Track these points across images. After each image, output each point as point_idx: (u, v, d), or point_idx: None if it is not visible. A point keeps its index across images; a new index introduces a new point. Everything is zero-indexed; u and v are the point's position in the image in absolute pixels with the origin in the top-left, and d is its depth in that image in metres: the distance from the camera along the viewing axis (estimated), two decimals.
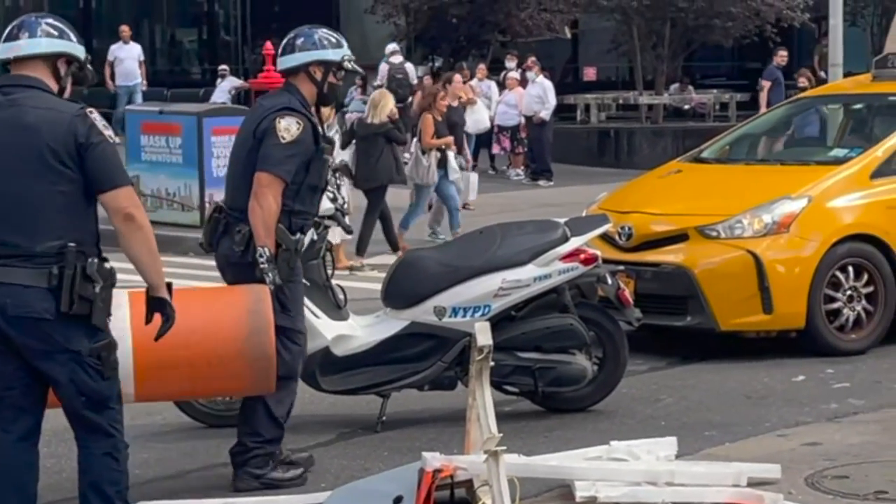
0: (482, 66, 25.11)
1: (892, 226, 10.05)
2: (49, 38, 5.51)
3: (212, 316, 6.49)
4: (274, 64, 16.86)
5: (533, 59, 23.72)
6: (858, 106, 11.76)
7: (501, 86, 23.61)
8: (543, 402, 8.34)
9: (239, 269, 6.91)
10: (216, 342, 6.40)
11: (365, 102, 30.80)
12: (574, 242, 8.19)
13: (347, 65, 7.07)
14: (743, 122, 13.19)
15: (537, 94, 22.47)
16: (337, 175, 8.29)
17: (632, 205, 10.62)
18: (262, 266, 6.74)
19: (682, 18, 26.64)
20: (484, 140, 23.31)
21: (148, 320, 5.57)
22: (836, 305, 9.90)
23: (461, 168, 14.38)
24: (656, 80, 27.87)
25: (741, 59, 31.87)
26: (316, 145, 6.96)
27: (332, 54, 7.06)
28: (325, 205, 7.47)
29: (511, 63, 23.99)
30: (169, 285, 5.52)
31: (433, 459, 6.24)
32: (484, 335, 6.40)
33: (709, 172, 11.22)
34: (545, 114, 22.37)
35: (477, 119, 21.61)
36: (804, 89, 20.70)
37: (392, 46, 27.44)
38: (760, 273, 9.73)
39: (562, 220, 8.40)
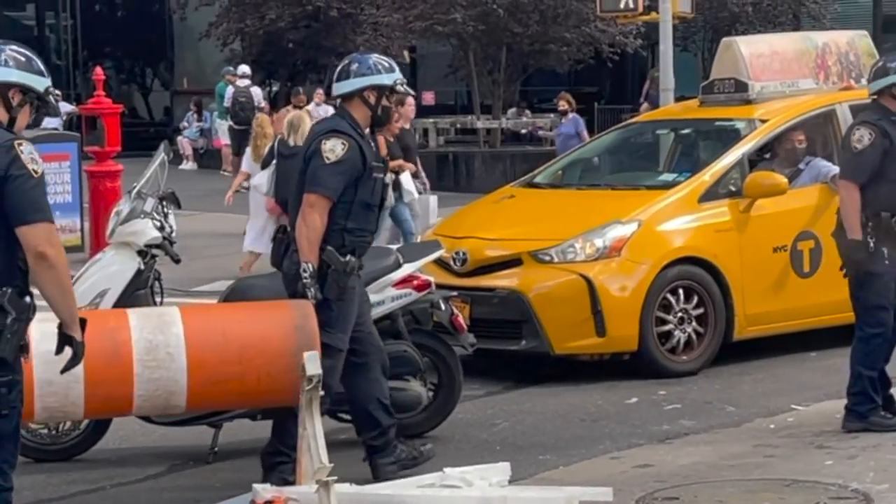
0: (320, 91, 25.08)
1: (720, 248, 10.24)
2: (2, 68, 5.40)
3: (262, 333, 6.67)
4: (104, 89, 16.95)
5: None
6: (687, 131, 11.95)
7: None
8: None
9: (298, 288, 7.09)
10: (266, 359, 6.61)
11: (201, 131, 30.92)
12: (407, 269, 8.20)
13: (400, 88, 7.35)
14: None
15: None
16: (164, 203, 8.19)
17: (466, 230, 10.68)
18: (304, 281, 6.97)
19: (518, 44, 26.91)
20: None
21: (57, 352, 5.43)
22: (667, 327, 10.05)
23: (419, 192, 14.36)
24: (493, 105, 28.10)
25: (577, 83, 32.29)
26: (364, 164, 7.14)
27: (385, 79, 7.32)
28: (153, 234, 7.36)
29: None
30: (82, 321, 5.41)
31: (264, 491, 6.19)
32: (313, 364, 6.37)
33: (542, 197, 11.33)
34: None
35: None
36: (565, 113, 21.09)
37: (243, 68, 27.27)
38: (593, 297, 9.84)
39: (394, 247, 8.40)
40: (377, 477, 7.30)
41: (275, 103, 29.39)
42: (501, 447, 8.18)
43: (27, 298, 5.30)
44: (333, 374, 7.15)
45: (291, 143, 14.29)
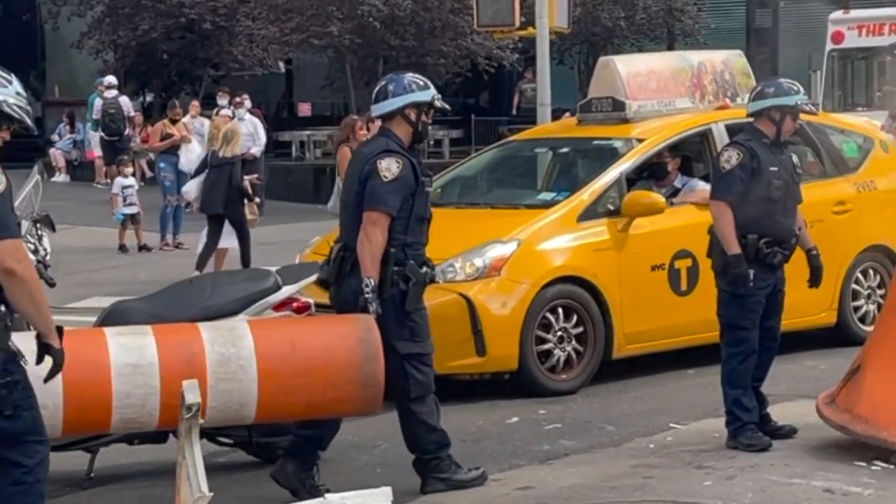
0: (195, 103, 24.85)
1: (599, 267, 10.31)
2: None
3: (328, 345, 6.95)
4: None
5: (243, 95, 23.58)
6: (565, 149, 12.01)
7: None
8: (259, 452, 8.24)
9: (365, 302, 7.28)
10: (333, 370, 6.88)
11: (74, 142, 30.51)
12: (286, 291, 8.14)
13: (437, 103, 7.66)
14: (456, 162, 13.31)
15: (248, 132, 22.34)
16: (38, 226, 8.06)
17: None
18: (367, 295, 7.22)
19: (395, 56, 26.93)
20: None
21: (37, 362, 5.63)
22: (547, 346, 10.10)
23: None
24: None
25: (454, 96, 32.37)
26: (416, 180, 7.46)
27: (422, 96, 7.61)
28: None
29: (223, 100, 23.82)
30: (59, 329, 5.61)
31: None
32: (192, 393, 6.30)
33: None
34: (256, 150, 22.29)
35: (191, 158, 21.36)
36: None
37: (109, 79, 26.98)
38: (473, 316, 9.86)
39: (273, 269, 8.33)
40: (424, 488, 7.60)
41: (149, 115, 29.09)
42: (382, 469, 8.16)
43: (1, 307, 5.46)
44: (429, 377, 7.53)
45: (221, 154, 14.71)
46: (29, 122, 5.69)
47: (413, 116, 7.59)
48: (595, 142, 11.49)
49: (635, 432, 8.88)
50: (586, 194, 10.63)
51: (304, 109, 32.84)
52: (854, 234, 11.50)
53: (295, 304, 8.19)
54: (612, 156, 11.09)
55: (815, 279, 8.49)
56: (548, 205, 10.75)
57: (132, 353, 6.63)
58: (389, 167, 7.40)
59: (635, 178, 11.11)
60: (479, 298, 9.89)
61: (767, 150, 8.23)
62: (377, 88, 7.70)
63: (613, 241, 10.44)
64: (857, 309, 11.60)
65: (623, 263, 10.40)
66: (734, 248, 8.03)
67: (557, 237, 10.36)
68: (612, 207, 10.61)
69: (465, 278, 9.98)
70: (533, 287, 10.02)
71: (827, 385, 9.23)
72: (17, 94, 5.68)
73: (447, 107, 7.79)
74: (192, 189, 14.97)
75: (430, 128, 7.75)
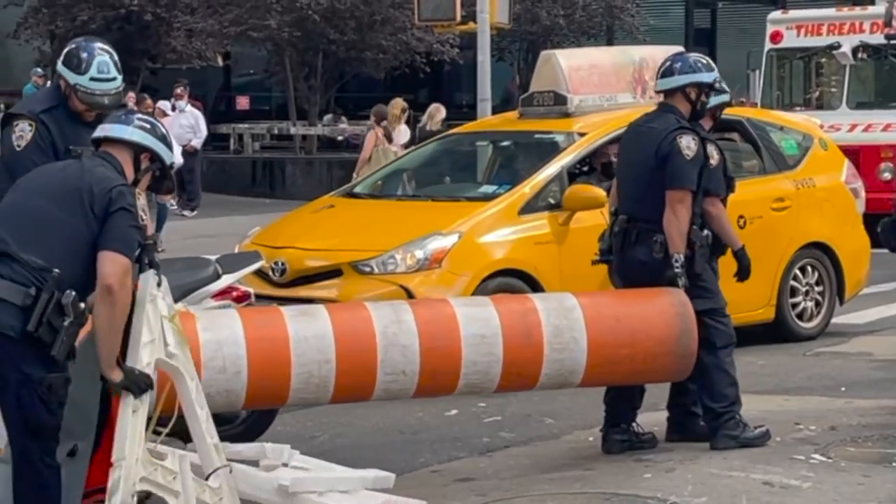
0: (132, 94, 24.64)
1: (540, 261, 10.30)
2: None
3: (649, 318, 7.49)
4: None
5: (182, 88, 23.44)
6: (506, 143, 12.03)
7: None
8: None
9: (654, 273, 7.77)
10: (653, 342, 7.43)
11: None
12: (226, 280, 8.07)
13: (718, 86, 8.11)
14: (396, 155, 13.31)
15: (188, 124, 22.21)
16: None
17: (285, 240, 10.61)
18: (676, 270, 7.67)
19: (334, 50, 26.83)
20: None
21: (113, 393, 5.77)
22: None
23: None
24: (310, 111, 27.98)
25: (394, 90, 32.24)
26: (705, 155, 7.86)
27: (706, 77, 8.02)
28: None
29: (180, 95, 23.60)
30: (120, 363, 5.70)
31: None
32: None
33: (362, 207, 11.31)
34: (196, 142, 22.16)
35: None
36: None
37: (38, 70, 26.76)
38: None
39: (213, 258, 8.25)
40: (714, 444, 7.89)
41: None
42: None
43: (82, 305, 5.58)
44: (729, 327, 7.94)
45: None
46: None
47: (693, 95, 7.95)
48: (536, 135, 11.51)
49: (574, 425, 8.89)
50: (528, 187, 10.65)
51: (243, 103, 32.67)
52: (793, 231, 11.56)
53: (235, 294, 8.14)
54: (553, 149, 11.10)
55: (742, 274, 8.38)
56: (489, 198, 10.76)
57: (479, 323, 7.17)
58: (689, 145, 7.78)
59: (577, 173, 11.13)
60: (419, 290, 9.87)
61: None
62: (663, 66, 8.07)
63: (554, 235, 10.45)
64: (795, 305, 11.66)
65: (564, 257, 10.40)
66: (737, 239, 8.17)
67: (498, 230, 10.37)
68: (553, 201, 10.63)
69: (406, 270, 9.97)
70: (474, 279, 10.01)
71: (766, 380, 9.28)
72: None
73: (727, 89, 8.40)
74: None
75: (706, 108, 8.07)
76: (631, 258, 7.97)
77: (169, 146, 6.10)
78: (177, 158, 20.32)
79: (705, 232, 7.90)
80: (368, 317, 7.11)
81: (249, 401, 7.03)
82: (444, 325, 7.18)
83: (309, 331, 6.98)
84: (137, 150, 5.94)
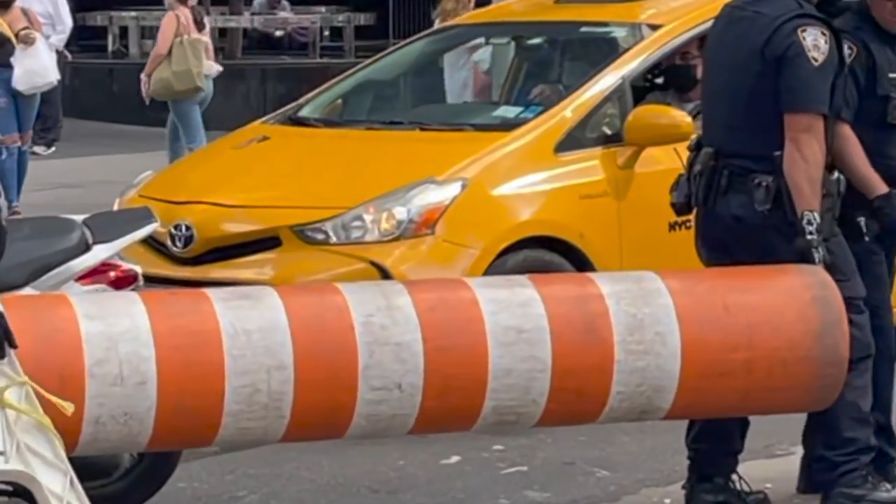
0: None
1: (588, 224, 10.31)
2: None
3: (773, 307, 7.45)
4: None
5: None
6: (537, 41, 12.07)
7: None
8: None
9: (756, 236, 7.87)
10: (782, 342, 7.39)
11: None
12: (99, 253, 8.07)
13: None
14: (365, 60, 13.30)
15: (43, 12, 22.13)
16: None
17: (192, 191, 10.65)
18: (809, 237, 7.66)
19: None
20: None
21: None
22: None
23: None
24: None
25: None
26: (840, 58, 7.95)
27: None
28: None
29: None
30: None
31: None
32: None
33: (311, 141, 11.34)
34: (56, 40, 22.09)
35: (34, 69, 21.17)
36: None
37: None
38: None
39: (80, 218, 8.23)
40: None
41: None
42: None
43: None
44: (866, 330, 7.96)
45: None
46: None
47: None
48: (584, 29, 11.56)
49: (642, 480, 8.95)
50: (569, 110, 10.63)
51: None
52: None
53: (113, 274, 8.16)
54: (609, 51, 11.15)
55: None
56: (509, 126, 10.80)
57: (514, 312, 7.13)
58: (817, 43, 7.83)
59: (647, 87, 11.13)
60: (400, 269, 9.86)
61: (878, 38, 8.29)
62: None
63: (611, 184, 10.47)
64: None
65: (626, 218, 10.42)
66: (879, 184, 8.14)
67: (524, 176, 10.38)
68: (609, 132, 10.67)
69: (380, 237, 10.00)
70: (486, 253, 10.01)
71: None
72: None
73: None
74: None
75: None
76: (720, 213, 8.04)
77: None
78: (52, 73, 20.40)
79: (836, 175, 7.97)
80: (343, 302, 7.07)
81: (159, 432, 6.93)
82: (459, 314, 7.15)
83: (251, 322, 6.92)
84: None
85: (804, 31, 7.83)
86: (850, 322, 7.75)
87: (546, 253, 10.18)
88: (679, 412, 7.53)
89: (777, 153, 7.79)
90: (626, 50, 11.02)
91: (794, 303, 7.50)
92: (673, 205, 8.30)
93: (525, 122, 10.74)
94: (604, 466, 9.19)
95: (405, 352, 6.97)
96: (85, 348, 6.69)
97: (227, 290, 7.29)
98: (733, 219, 7.95)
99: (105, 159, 20.15)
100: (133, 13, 28.77)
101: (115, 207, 10.65)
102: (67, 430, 6.26)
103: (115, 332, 6.78)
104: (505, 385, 7.09)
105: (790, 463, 8.64)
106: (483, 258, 9.99)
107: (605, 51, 11.19)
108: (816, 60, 7.82)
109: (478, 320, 7.07)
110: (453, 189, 10.16)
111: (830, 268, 7.76)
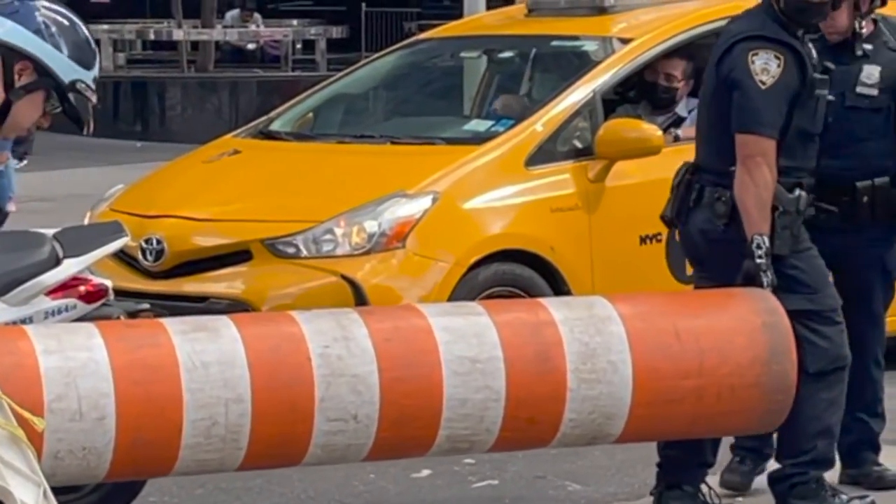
0: None
1: (559, 238, 10.34)
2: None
3: (722, 333, 7.48)
4: None
5: None
6: (508, 54, 12.08)
7: None
8: None
9: (721, 250, 7.93)
10: (731, 367, 7.41)
11: None
12: (70, 266, 8.07)
13: None
14: (338, 73, 13.32)
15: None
16: None
17: (164, 205, 10.66)
18: (758, 261, 7.74)
19: None
20: None
21: None
22: None
23: None
24: (204, 4, 27.96)
25: None
26: (803, 79, 7.97)
27: None
28: None
29: None
30: None
31: None
32: None
33: (282, 155, 11.37)
34: None
35: None
36: None
37: None
38: None
39: (50, 232, 8.24)
40: None
41: None
42: None
43: None
44: (837, 342, 7.99)
45: None
46: None
47: None
48: (554, 42, 11.57)
49: (614, 493, 8.94)
50: (540, 124, 10.67)
51: None
52: None
53: (83, 288, 8.12)
54: (580, 65, 11.15)
55: None
56: (480, 139, 10.81)
57: (468, 341, 7.14)
58: (767, 67, 7.88)
59: (617, 101, 11.14)
60: (371, 283, 9.90)
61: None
62: None
63: (582, 198, 10.48)
64: None
65: (597, 232, 10.44)
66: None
67: (495, 190, 10.41)
68: (579, 145, 10.68)
69: (351, 251, 10.02)
70: (457, 266, 10.04)
71: None
72: None
73: None
74: None
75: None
76: (690, 228, 8.14)
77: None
78: None
79: (796, 193, 7.96)
80: (299, 332, 7.08)
81: (118, 465, 6.92)
82: (414, 344, 7.13)
83: (208, 354, 6.91)
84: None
85: (755, 53, 7.90)
86: (819, 334, 7.87)
87: (517, 266, 10.20)
88: (628, 437, 7.53)
89: (733, 168, 7.85)
90: (597, 63, 11.01)
91: (743, 328, 7.54)
92: (661, 217, 8.37)
93: (496, 135, 10.75)
94: (575, 480, 9.18)
95: (361, 384, 6.97)
96: (43, 383, 6.66)
97: (181, 320, 7.27)
98: (699, 233, 8.04)
99: (76, 172, 20.10)
100: (105, 26, 28.73)
101: (86, 221, 10.64)
102: None
103: (72, 366, 6.76)
104: (460, 415, 7.11)
105: (760, 478, 8.67)
106: (454, 272, 10.02)
107: (576, 64, 11.19)
108: (764, 84, 7.87)
109: (433, 349, 7.09)
110: (424, 202, 10.19)
111: (793, 279, 7.87)
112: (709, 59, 8.26)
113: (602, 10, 11.40)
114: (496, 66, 12.09)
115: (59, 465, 6.47)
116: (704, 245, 8.05)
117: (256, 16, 29.34)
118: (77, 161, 21.60)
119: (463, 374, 7.09)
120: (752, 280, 7.73)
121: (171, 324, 7.11)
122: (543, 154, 10.56)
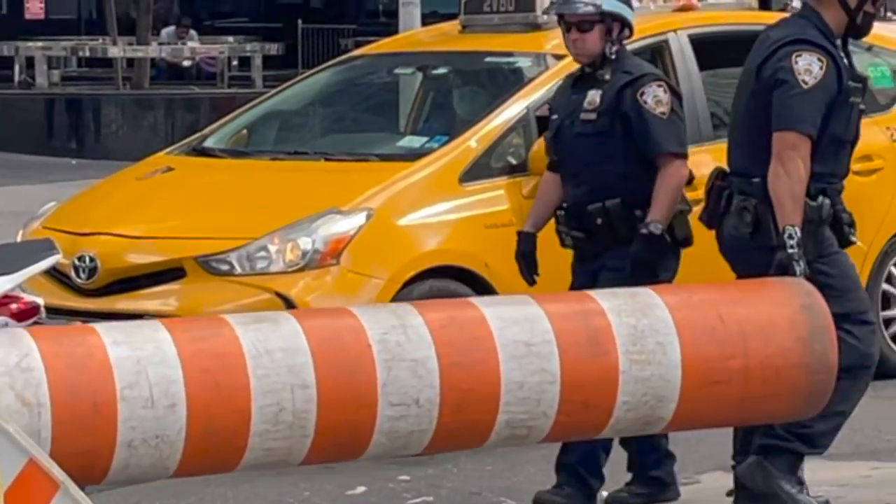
0: None
1: (493, 253, 10.33)
2: None
3: (763, 316, 7.62)
4: None
5: None
6: (442, 70, 12.10)
7: None
8: None
9: (750, 256, 8.21)
10: (774, 349, 7.57)
11: None
12: (1, 285, 8.07)
13: None
14: (273, 89, 13.31)
15: None
16: None
17: (97, 222, 10.67)
18: (790, 251, 7.95)
19: None
20: None
21: None
22: None
23: None
24: (139, 21, 27.90)
25: None
26: (840, 86, 8.17)
27: None
28: None
29: None
30: None
31: None
32: None
33: (216, 172, 11.39)
34: None
35: None
36: None
37: None
38: None
39: None
40: (739, 469, 8.34)
41: None
42: None
43: None
44: (865, 342, 8.26)
45: None
46: None
47: (853, 2, 8.29)
48: (489, 59, 11.59)
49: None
50: (474, 140, 10.71)
51: (35, 9, 32.52)
52: (886, 207, 11.61)
53: (14, 306, 8.18)
54: (514, 80, 11.20)
55: None
56: (414, 155, 10.84)
57: (520, 326, 7.29)
58: (810, 68, 8.10)
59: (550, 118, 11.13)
60: (305, 299, 9.92)
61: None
62: None
63: (516, 214, 10.45)
64: (889, 322, 11.70)
65: None
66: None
67: (429, 206, 10.46)
68: (514, 161, 10.72)
69: (285, 268, 10.04)
70: (391, 283, 10.08)
71: (846, 438, 9.33)
72: None
73: None
74: None
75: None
76: (721, 233, 8.41)
77: None
78: None
79: (819, 200, 8.18)
80: (357, 323, 7.18)
81: (189, 455, 6.90)
82: (469, 330, 7.29)
83: (272, 342, 6.98)
84: None
85: (799, 55, 8.12)
86: (850, 333, 8.10)
87: (451, 282, 10.26)
88: (679, 422, 7.67)
89: (757, 179, 8.13)
90: (531, 80, 11.06)
91: (783, 311, 7.69)
92: (699, 219, 8.60)
93: (430, 151, 10.78)
94: (510, 496, 9.20)
95: (421, 367, 7.08)
96: (114, 372, 6.72)
97: (243, 315, 7.41)
98: (730, 238, 8.30)
99: (9, 190, 20.02)
100: (40, 43, 28.68)
101: (19, 238, 10.63)
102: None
103: (142, 355, 6.82)
104: (518, 398, 7.23)
105: (697, 492, 8.73)
106: (388, 288, 10.06)
107: (510, 80, 11.23)
108: (806, 83, 8.09)
109: (488, 336, 7.24)
110: (358, 219, 10.21)
111: (822, 286, 7.95)
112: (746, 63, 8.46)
113: (536, 27, 11.41)
114: (430, 82, 12.09)
115: (132, 455, 6.53)
116: (735, 250, 8.28)
117: (192, 32, 29.30)
118: (11, 178, 21.53)
119: (518, 357, 7.23)
120: (784, 271, 7.93)
121: (232, 316, 7.19)
122: (478, 170, 10.61)
